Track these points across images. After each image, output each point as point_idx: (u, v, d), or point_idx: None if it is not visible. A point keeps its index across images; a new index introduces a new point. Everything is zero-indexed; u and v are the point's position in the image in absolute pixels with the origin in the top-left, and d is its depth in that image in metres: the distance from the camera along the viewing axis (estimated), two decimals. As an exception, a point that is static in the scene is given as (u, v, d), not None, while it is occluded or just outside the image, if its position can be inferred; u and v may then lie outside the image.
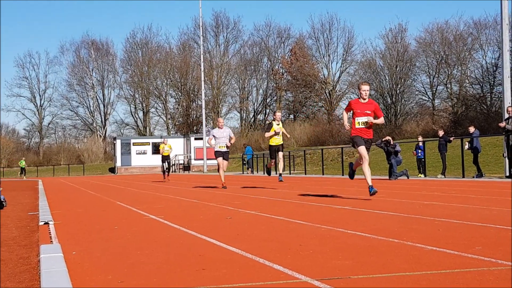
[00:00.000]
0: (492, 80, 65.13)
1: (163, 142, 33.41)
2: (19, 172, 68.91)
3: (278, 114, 20.60)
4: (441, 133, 27.95)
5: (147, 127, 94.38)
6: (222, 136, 20.16)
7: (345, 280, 4.26)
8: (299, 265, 4.92)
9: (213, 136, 20.24)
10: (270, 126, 20.11)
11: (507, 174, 23.16)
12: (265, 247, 5.98)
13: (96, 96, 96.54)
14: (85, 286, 4.40)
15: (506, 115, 22.84)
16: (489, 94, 65.61)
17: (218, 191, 18.85)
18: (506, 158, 23.28)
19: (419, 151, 28.49)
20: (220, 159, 20.43)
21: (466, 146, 24.91)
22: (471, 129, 25.43)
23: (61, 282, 4.44)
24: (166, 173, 33.60)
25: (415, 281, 4.16)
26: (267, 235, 7.03)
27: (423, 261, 4.94)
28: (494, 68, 64.38)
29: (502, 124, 22.77)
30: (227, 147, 20.37)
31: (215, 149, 20.36)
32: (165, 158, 33.46)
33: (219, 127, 20.44)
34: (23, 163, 68.73)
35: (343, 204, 11.70)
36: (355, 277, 4.33)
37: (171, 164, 32.47)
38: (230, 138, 20.43)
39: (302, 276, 4.44)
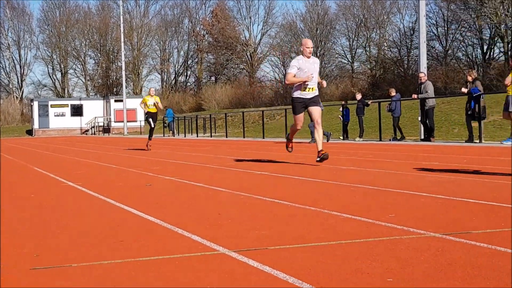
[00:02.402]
0: (409, 43, 66.25)
1: (149, 93, 23.12)
2: None
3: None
4: (358, 96, 28.32)
5: (66, 88, 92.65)
6: (310, 69, 12.00)
7: (262, 251, 4.29)
8: (217, 236, 4.93)
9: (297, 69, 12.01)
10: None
11: (422, 137, 23.72)
12: (184, 216, 5.99)
13: (12, 57, 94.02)
14: (-1, 260, 4.31)
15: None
16: (406, 57, 66.74)
17: (138, 155, 18.73)
18: (421, 122, 23.83)
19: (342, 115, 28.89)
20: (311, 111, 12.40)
21: (387, 108, 25.29)
22: (392, 92, 25.83)
23: (-25, 257, 4.34)
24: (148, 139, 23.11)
25: (330, 251, 4.22)
26: (186, 203, 7.03)
27: (338, 230, 5.02)
28: (412, 32, 65.45)
29: (415, 96, 23.32)
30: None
31: (295, 95, 12.32)
32: (151, 116, 22.76)
33: (305, 55, 12.05)
34: None
35: (262, 169, 11.77)
36: (272, 248, 4.37)
37: (153, 127, 23.12)
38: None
39: (220, 247, 4.46)
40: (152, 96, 22.60)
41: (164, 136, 50.59)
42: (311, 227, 5.27)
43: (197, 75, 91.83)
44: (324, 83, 12.93)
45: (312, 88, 12.25)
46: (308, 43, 12.16)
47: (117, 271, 3.83)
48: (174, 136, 48.43)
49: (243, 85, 78.50)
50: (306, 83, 12.06)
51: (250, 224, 5.45)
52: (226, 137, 40.76)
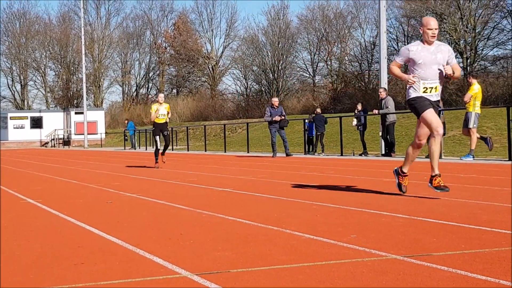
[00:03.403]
0: (370, 58, 66.82)
1: (157, 101, 19.59)
2: None
3: None
4: (318, 111, 28.51)
5: (25, 100, 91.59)
6: (429, 61, 9.27)
7: (225, 274, 4.29)
8: (179, 257, 4.91)
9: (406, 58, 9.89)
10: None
11: (383, 152, 23.90)
12: (146, 236, 5.94)
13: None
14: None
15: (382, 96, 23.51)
16: (367, 71, 67.30)
17: (98, 169, 18.60)
18: (381, 137, 24.02)
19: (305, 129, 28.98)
20: None
21: (354, 122, 25.32)
22: (359, 107, 25.89)
23: None
24: (160, 152, 19.50)
25: (292, 275, 4.23)
26: (147, 222, 6.98)
27: (300, 252, 5.03)
28: (372, 46, 66.06)
29: (375, 111, 23.51)
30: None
31: (413, 95, 9.59)
32: (161, 128, 19.23)
33: (425, 41, 9.38)
34: None
35: (224, 185, 11.76)
36: (235, 271, 4.36)
37: (169, 138, 19.89)
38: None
39: (182, 270, 4.43)
40: (161, 104, 18.98)
41: (124, 149, 50.30)
42: (273, 248, 5.27)
43: (158, 87, 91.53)
44: (457, 72, 9.03)
45: (436, 88, 8.92)
46: (431, 23, 8.67)
47: (77, 297, 3.80)
48: (134, 149, 48.15)
49: (205, 98, 78.49)
50: (424, 80, 8.80)
51: (212, 245, 5.43)
52: (188, 150, 40.67)
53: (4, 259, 5.05)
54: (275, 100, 26.29)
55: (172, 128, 50.19)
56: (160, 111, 18.76)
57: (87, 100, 72.34)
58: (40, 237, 6.17)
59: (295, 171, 15.88)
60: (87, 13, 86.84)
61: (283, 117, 25.10)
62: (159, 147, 19.13)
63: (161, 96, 19.44)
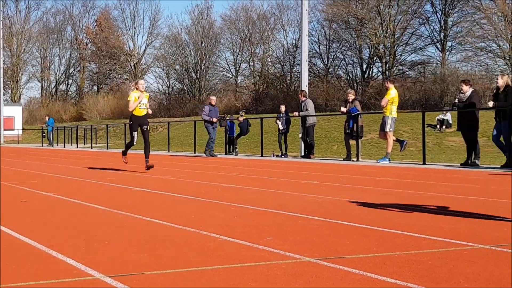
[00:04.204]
0: (292, 60, 67.35)
1: (137, 88, 15.51)
2: None
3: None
4: (241, 119, 28.60)
5: None
6: None
7: (139, 276, 4.26)
8: (93, 259, 4.85)
9: None
10: None
11: (302, 154, 24.14)
12: (60, 237, 5.85)
13: None
14: None
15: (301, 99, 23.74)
16: (289, 73, 67.81)
17: (14, 166, 18.21)
18: (301, 139, 24.26)
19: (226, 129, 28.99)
20: None
21: (280, 126, 25.27)
22: (283, 109, 25.85)
23: None
24: (125, 152, 16.63)
25: (207, 277, 4.24)
26: (63, 222, 6.87)
27: (217, 254, 5.04)
28: (295, 49, 66.55)
29: (296, 113, 23.73)
30: None
31: None
32: (140, 122, 15.61)
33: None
34: None
35: (142, 185, 11.68)
36: (149, 273, 4.34)
37: (149, 135, 16.34)
38: None
39: (96, 272, 4.38)
40: (142, 92, 15.37)
41: (42, 146, 49.37)
42: (189, 250, 5.26)
43: (79, 84, 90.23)
44: None
45: None
46: None
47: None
48: (52, 146, 47.29)
49: (126, 96, 77.53)
50: None
51: (127, 246, 5.39)
52: (107, 148, 40.18)
53: None
54: (213, 99, 26.32)
55: (91, 126, 49.62)
56: (141, 100, 15.30)
57: (4, 95, 70.72)
58: (-50, 236, 6.02)
59: (215, 171, 15.91)
60: (6, 6, 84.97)
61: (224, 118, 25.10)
62: (134, 143, 15.87)
63: (142, 82, 15.71)
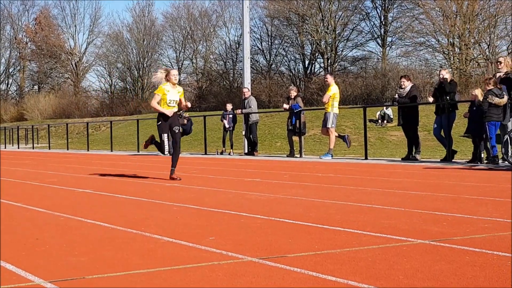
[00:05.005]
0: (235, 57, 67.33)
1: (167, 79, 12.39)
2: None
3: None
4: (185, 122, 28.43)
5: None
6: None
7: (79, 281, 4.21)
8: (33, 264, 4.78)
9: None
10: None
11: (246, 151, 24.20)
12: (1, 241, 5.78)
13: None
14: None
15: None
16: (232, 70, 67.77)
17: None
18: (245, 136, 24.30)
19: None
20: None
21: (226, 124, 25.05)
22: (229, 107, 25.48)
23: None
24: (167, 153, 12.72)
25: (148, 279, 4.22)
26: (3, 226, 6.76)
27: (158, 255, 5.01)
28: (237, 46, 66.55)
29: (238, 111, 23.72)
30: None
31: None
32: (171, 122, 12.47)
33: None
34: None
35: (84, 186, 11.57)
36: (90, 277, 4.29)
37: (179, 137, 12.64)
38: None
39: (36, 277, 4.32)
40: (174, 85, 12.33)
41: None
42: (130, 252, 5.22)
43: (19, 83, 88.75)
44: None
45: None
46: None
47: None
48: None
49: (68, 95, 76.71)
50: None
51: (68, 250, 5.33)
52: (49, 149, 39.70)
53: None
54: None
55: (32, 126, 48.91)
56: (170, 96, 12.21)
57: None
58: None
59: (159, 170, 15.85)
60: None
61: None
62: (167, 151, 12.53)
63: (174, 73, 12.38)
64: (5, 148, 44.08)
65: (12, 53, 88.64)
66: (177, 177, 12.41)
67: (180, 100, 12.40)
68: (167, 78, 12.26)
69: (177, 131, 12.39)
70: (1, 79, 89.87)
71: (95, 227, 6.59)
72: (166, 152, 12.44)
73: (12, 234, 6.25)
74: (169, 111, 12.22)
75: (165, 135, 12.31)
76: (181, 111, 17.61)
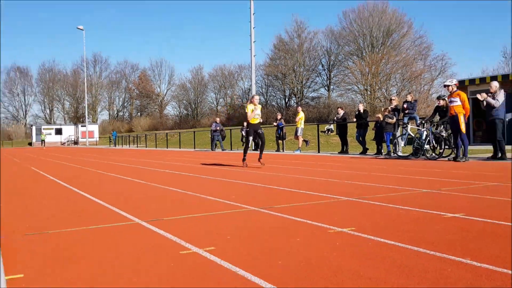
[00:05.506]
0: (247, 96, 66.81)
1: (252, 102, 11.02)
2: None
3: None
4: None
5: (52, 118, 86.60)
6: None
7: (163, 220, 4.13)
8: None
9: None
10: None
11: (253, 148, 23.98)
12: None
13: (20, 100, 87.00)
14: None
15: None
16: (245, 104, 67.20)
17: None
18: (253, 141, 24.01)
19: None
20: None
21: (244, 133, 24.84)
22: (245, 124, 25.05)
23: None
24: (258, 156, 11.64)
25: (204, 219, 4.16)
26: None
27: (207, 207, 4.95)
28: (248, 90, 65.91)
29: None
30: None
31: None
32: (255, 128, 11.08)
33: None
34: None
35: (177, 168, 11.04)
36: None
37: (263, 136, 10.73)
38: None
39: (131, 216, 4.25)
40: (256, 105, 11.02)
41: (110, 147, 48.12)
42: (188, 206, 4.98)
43: (129, 111, 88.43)
44: None
45: None
46: None
47: None
48: (115, 147, 46.23)
49: (156, 118, 76.35)
50: None
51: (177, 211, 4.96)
52: (146, 147, 38.69)
53: None
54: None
55: (137, 135, 48.43)
56: (256, 111, 11.04)
57: (88, 119, 69.31)
58: None
59: (222, 159, 15.52)
60: (88, 69, 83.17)
61: None
62: (249, 146, 11.58)
63: (257, 97, 11.16)
64: (122, 147, 43.93)
65: (126, 95, 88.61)
66: (263, 162, 11.14)
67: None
68: (252, 100, 10.98)
69: (260, 132, 10.98)
70: (120, 109, 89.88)
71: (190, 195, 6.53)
72: (249, 145, 11.21)
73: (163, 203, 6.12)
74: (255, 121, 10.95)
75: (251, 137, 11.09)
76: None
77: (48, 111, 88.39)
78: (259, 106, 10.98)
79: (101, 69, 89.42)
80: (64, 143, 70.65)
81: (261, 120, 11.24)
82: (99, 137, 70.01)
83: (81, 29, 53.74)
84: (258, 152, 10.51)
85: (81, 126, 69.99)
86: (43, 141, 57.09)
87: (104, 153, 25.21)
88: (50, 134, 70.03)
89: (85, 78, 62.69)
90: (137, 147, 42.13)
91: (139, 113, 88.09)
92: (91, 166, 13.48)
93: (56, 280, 2.64)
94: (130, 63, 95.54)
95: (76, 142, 69.45)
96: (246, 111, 11.13)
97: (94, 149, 37.83)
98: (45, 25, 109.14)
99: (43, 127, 71.01)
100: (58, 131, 71.65)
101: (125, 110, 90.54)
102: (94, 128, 70.38)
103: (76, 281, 2.60)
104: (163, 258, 2.98)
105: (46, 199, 6.05)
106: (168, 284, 2.50)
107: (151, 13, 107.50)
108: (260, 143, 10.73)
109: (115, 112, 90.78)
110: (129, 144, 45.23)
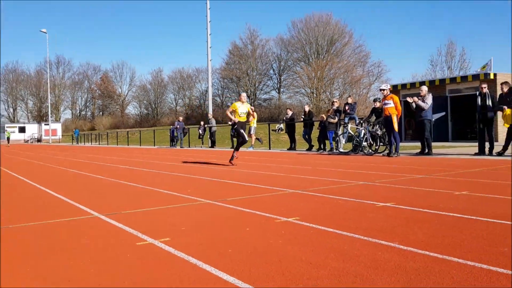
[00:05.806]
0: (204, 98, 66.16)
1: (240, 100, 9.88)
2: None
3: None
4: None
5: (15, 117, 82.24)
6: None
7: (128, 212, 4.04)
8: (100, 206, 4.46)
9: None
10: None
11: (210, 145, 23.79)
12: None
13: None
14: None
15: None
16: (203, 104, 66.68)
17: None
18: (209, 138, 23.73)
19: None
20: None
21: (201, 131, 24.52)
22: (202, 123, 25.18)
23: None
24: (235, 152, 10.15)
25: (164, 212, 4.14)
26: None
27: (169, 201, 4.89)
28: (205, 92, 65.37)
29: (206, 125, 23.10)
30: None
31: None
32: (241, 127, 9.81)
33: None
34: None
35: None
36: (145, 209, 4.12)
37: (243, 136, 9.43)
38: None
39: (92, 210, 4.13)
40: (243, 103, 9.86)
41: (72, 144, 46.24)
42: (152, 199, 4.90)
43: (92, 111, 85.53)
44: None
45: None
46: None
47: None
48: (78, 144, 44.50)
49: (117, 117, 74.32)
50: None
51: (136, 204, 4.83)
52: (107, 144, 37.89)
53: None
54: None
55: (99, 133, 46.95)
56: (240, 109, 9.77)
57: (51, 117, 66.49)
58: None
59: (179, 155, 15.28)
60: (51, 70, 79.61)
61: None
62: (246, 140, 9.86)
63: (243, 95, 10.06)
64: (84, 144, 42.46)
65: (88, 95, 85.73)
66: (236, 157, 10.16)
67: (248, 111, 9.92)
68: (239, 98, 9.95)
69: (242, 132, 9.75)
70: (82, 109, 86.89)
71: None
72: (246, 138, 9.82)
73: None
74: (241, 119, 9.82)
75: (242, 130, 9.78)
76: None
77: (11, 110, 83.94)
78: (247, 104, 9.93)
79: (64, 70, 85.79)
80: (28, 140, 67.54)
81: (255, 116, 10.49)
82: (62, 135, 67.40)
83: (45, 32, 51.39)
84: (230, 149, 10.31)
85: (45, 124, 67.16)
86: (8, 138, 54.24)
87: (66, 150, 24.23)
88: (13, 132, 66.78)
89: (49, 79, 60.09)
90: (99, 144, 40.83)
91: (101, 113, 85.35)
92: (54, 163, 12.92)
93: (15, 275, 2.52)
94: (92, 65, 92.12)
95: (39, 140, 66.51)
96: (230, 105, 9.70)
97: (57, 146, 36.32)
98: (8, 27, 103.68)
99: (6, 125, 67.62)
100: (22, 129, 68.39)
101: (87, 109, 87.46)
102: (57, 127, 67.78)
103: (35, 276, 2.50)
104: (120, 249, 2.93)
105: (7, 195, 5.76)
106: (124, 273, 2.46)
107: (113, 16, 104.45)
108: (240, 140, 9.86)
109: (78, 111, 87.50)
110: (91, 142, 43.77)
